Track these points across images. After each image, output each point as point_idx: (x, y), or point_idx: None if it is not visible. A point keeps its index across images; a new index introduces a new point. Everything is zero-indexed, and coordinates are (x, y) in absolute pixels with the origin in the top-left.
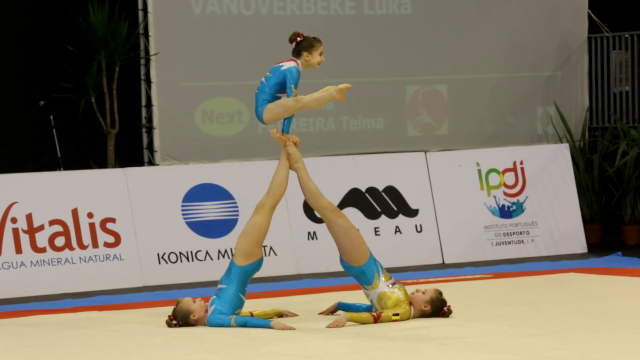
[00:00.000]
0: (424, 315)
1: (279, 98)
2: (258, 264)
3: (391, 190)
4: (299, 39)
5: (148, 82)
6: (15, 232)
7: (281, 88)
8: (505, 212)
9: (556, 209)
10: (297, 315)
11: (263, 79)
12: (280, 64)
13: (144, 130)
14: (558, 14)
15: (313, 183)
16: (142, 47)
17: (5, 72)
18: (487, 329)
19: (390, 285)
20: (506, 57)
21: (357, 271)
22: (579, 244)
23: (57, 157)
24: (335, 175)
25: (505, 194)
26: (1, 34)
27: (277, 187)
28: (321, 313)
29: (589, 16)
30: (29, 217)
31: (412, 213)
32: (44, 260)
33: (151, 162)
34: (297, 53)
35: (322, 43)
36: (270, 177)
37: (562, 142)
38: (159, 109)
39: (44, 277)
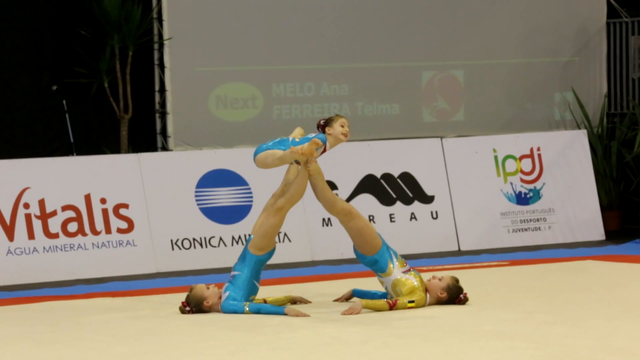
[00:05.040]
0: (440, 302)
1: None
2: (271, 253)
3: (407, 177)
4: (322, 122)
5: (162, 66)
6: (28, 217)
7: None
8: (521, 199)
9: (573, 195)
10: (310, 302)
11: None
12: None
13: (157, 115)
14: None
15: (329, 190)
16: (155, 31)
17: (16, 57)
18: (504, 317)
19: (405, 272)
20: (523, 42)
21: (370, 260)
22: (597, 231)
23: (70, 142)
24: (350, 162)
25: (522, 180)
26: (12, 18)
27: (298, 194)
28: (336, 300)
29: (608, 1)
30: (41, 203)
31: (427, 199)
32: (56, 246)
33: (164, 148)
34: (323, 131)
35: (343, 116)
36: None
37: (579, 128)
38: (173, 94)
39: (57, 263)
